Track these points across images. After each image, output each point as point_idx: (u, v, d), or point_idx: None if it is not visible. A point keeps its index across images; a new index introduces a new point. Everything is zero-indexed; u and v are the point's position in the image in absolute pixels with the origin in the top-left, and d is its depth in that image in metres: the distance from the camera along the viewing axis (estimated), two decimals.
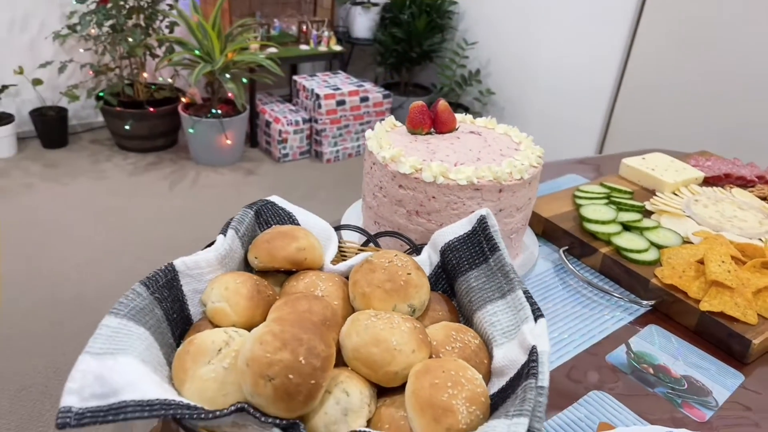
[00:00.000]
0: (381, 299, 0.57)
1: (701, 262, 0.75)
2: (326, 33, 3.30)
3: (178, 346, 0.57)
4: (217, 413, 0.45)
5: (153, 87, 3.13)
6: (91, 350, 0.48)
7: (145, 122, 2.96)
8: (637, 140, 2.64)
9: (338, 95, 3.05)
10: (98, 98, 2.90)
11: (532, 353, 0.49)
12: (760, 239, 0.85)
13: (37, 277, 2.03)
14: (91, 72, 2.95)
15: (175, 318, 0.57)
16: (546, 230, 0.91)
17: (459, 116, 0.90)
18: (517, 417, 0.43)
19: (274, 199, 0.70)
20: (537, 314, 0.54)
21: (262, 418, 0.46)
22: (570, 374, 0.65)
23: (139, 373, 0.47)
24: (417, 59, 3.43)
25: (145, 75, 3.02)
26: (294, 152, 3.13)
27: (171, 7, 2.93)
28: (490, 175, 0.72)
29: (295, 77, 3.24)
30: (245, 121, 3.05)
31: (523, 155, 0.79)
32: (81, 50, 3.00)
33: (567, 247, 0.87)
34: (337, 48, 3.35)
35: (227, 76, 2.78)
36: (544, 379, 0.47)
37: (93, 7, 2.74)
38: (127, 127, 2.92)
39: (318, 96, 3.02)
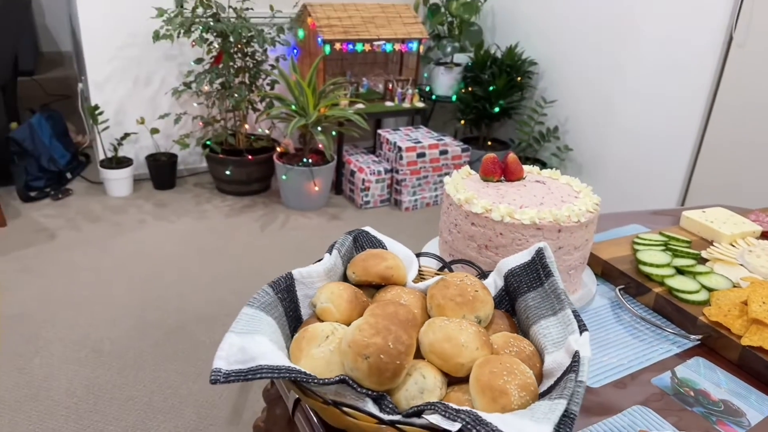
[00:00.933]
0: (452, 309, 0.70)
1: (746, 303, 0.82)
2: (410, 91, 3.55)
3: (292, 337, 0.72)
4: (326, 380, 0.59)
5: (252, 137, 3.48)
6: (235, 330, 0.64)
7: (244, 169, 3.28)
8: (718, 195, 2.63)
9: (419, 148, 3.25)
10: (204, 146, 3.28)
11: (575, 356, 0.60)
12: None
13: (145, 302, 2.30)
14: (201, 123, 3.35)
15: (291, 315, 0.73)
16: (604, 271, 1.01)
17: (527, 167, 1.04)
18: (558, 399, 0.55)
19: (368, 229, 0.86)
20: (582, 328, 0.65)
21: (358, 389, 0.60)
22: (616, 390, 0.75)
23: (270, 348, 0.63)
24: (496, 116, 3.59)
25: (246, 126, 3.37)
26: (375, 200, 3.34)
27: (273, 67, 3.30)
28: (551, 217, 0.85)
29: (379, 131, 3.49)
30: (332, 170, 3.31)
31: (581, 202, 0.91)
32: (194, 104, 3.41)
33: (623, 287, 0.96)
34: (420, 105, 3.58)
35: (319, 129, 3.06)
36: (583, 376, 0.58)
37: (207, 67, 3.15)
38: (227, 173, 3.25)
39: (400, 148, 3.23)
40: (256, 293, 0.70)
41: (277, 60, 3.33)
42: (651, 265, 0.95)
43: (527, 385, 0.59)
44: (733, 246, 1.05)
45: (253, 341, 0.63)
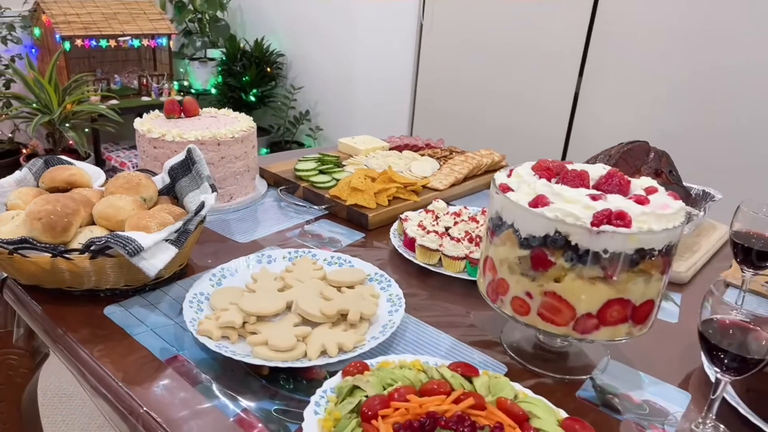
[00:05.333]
0: (122, 194, 0.96)
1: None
2: (166, 85, 3.66)
3: None
4: (10, 240, 0.80)
5: None
6: None
7: None
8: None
9: None
10: None
11: (201, 203, 0.91)
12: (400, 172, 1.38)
13: None
14: None
15: None
16: (275, 180, 1.36)
17: (205, 109, 1.34)
18: (179, 223, 0.84)
19: (61, 156, 1.07)
20: (213, 190, 0.96)
21: (38, 245, 0.82)
22: (282, 238, 1.08)
23: None
24: (254, 104, 3.88)
25: None
26: None
27: (7, 66, 3.14)
28: (210, 135, 1.15)
29: None
30: None
31: (239, 125, 1.23)
32: None
33: (284, 187, 1.32)
34: (178, 98, 3.70)
35: (67, 125, 3.02)
36: (203, 212, 0.89)
37: None
38: None
39: None
40: None
41: (12, 60, 3.17)
42: (303, 170, 1.32)
43: (166, 223, 0.88)
44: (366, 157, 1.49)
45: None
